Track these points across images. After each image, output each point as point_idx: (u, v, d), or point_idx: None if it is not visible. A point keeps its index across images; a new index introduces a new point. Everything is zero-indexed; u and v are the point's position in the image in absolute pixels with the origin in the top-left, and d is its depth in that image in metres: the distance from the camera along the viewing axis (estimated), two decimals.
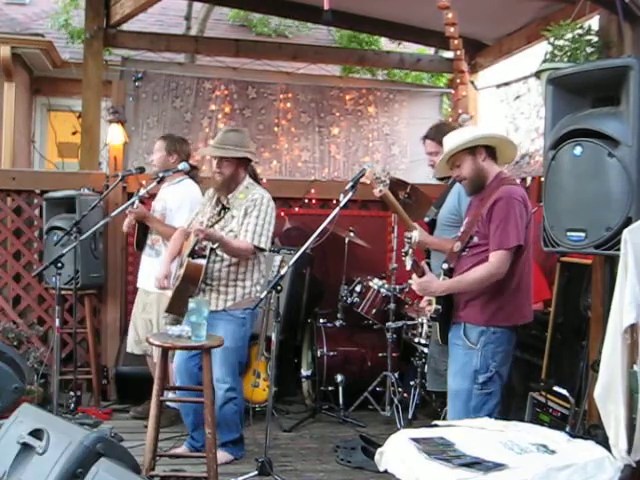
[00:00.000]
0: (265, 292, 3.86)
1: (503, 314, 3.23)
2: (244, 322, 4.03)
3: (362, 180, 3.70)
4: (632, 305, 2.40)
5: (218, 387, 4.01)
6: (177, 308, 3.93)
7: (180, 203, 4.57)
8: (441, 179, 3.99)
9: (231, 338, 3.94)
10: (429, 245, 3.70)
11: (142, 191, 4.47)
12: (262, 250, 4.02)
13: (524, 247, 3.23)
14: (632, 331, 2.42)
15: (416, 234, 3.10)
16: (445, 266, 3.35)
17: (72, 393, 4.74)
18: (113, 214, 4.55)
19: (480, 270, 3.19)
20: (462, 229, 3.45)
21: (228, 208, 3.95)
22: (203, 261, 3.92)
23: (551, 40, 3.51)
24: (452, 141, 3.33)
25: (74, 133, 7.06)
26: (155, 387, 3.58)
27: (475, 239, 3.27)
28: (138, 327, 4.74)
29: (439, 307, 3.31)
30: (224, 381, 4.02)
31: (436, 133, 3.94)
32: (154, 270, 4.53)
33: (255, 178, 4.19)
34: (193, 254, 3.92)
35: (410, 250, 3.07)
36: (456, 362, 3.32)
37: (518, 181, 4.23)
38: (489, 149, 3.31)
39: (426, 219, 3.99)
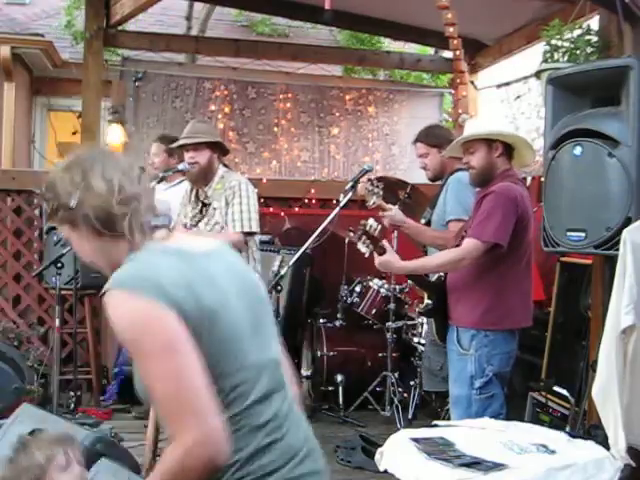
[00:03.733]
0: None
1: (493, 317, 3.13)
2: None
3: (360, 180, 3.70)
4: (630, 307, 2.40)
5: None
6: None
7: None
8: (435, 179, 3.99)
9: None
10: (419, 237, 3.64)
11: None
12: (254, 234, 3.99)
13: (516, 246, 3.12)
14: (629, 332, 2.42)
15: (372, 221, 3.06)
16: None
17: (72, 393, 4.74)
18: None
19: (446, 254, 3.16)
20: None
21: (208, 204, 3.91)
22: None
23: (548, 41, 3.51)
24: (474, 127, 3.29)
25: (74, 133, 7.05)
26: None
27: (468, 231, 3.24)
28: None
29: (430, 302, 3.30)
30: None
31: (426, 135, 3.93)
32: None
33: (229, 168, 4.17)
34: None
35: (364, 237, 3.03)
36: (453, 368, 3.28)
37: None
38: (507, 147, 3.24)
39: (422, 220, 3.99)
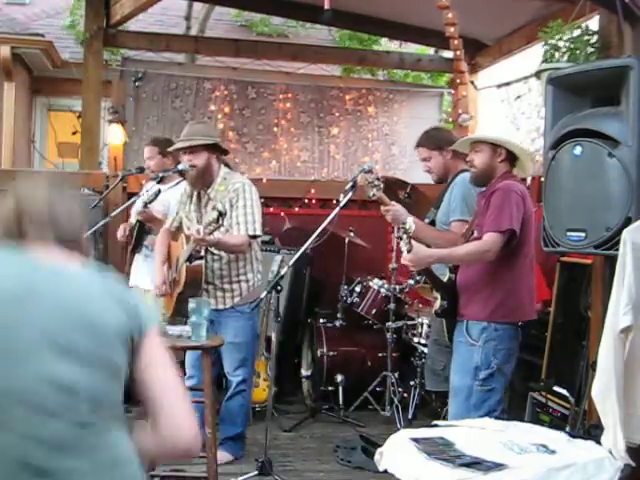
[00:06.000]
0: (265, 292, 3.86)
1: (504, 310, 3.25)
2: (251, 316, 4.06)
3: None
4: (628, 307, 2.39)
5: (230, 380, 4.09)
6: (184, 311, 3.94)
7: None
8: (440, 181, 4.00)
9: (242, 334, 4.00)
10: (420, 234, 3.65)
11: (145, 194, 4.43)
12: (257, 237, 4.02)
13: (522, 241, 3.24)
14: (628, 332, 2.42)
15: (411, 221, 3.11)
16: (451, 264, 3.40)
17: None
18: (113, 214, 4.54)
19: (471, 245, 3.26)
20: (467, 226, 3.49)
21: (225, 213, 3.90)
22: (201, 262, 3.92)
23: (547, 41, 3.51)
24: (485, 130, 3.39)
25: (74, 133, 7.05)
26: None
27: (475, 233, 3.31)
28: None
29: (444, 303, 3.35)
30: (235, 374, 4.06)
31: (427, 139, 3.97)
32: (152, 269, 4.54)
33: (230, 169, 4.17)
34: (190, 258, 3.90)
35: (404, 236, 3.08)
36: (458, 358, 3.34)
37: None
38: (511, 155, 3.37)
39: (426, 220, 4.00)
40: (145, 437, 1.50)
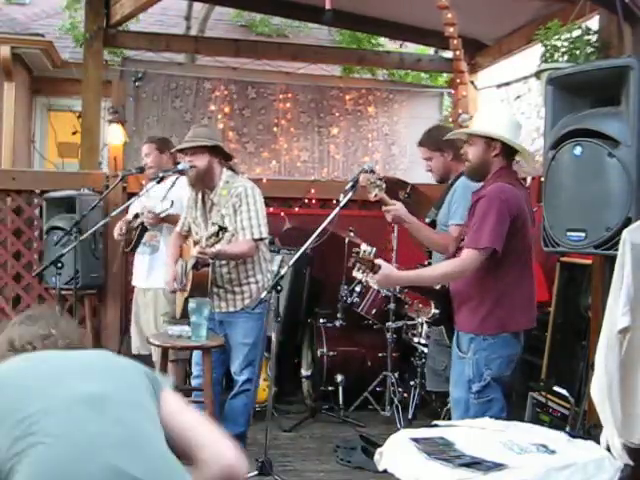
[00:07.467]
0: (265, 292, 3.86)
1: (493, 321, 3.09)
2: (261, 316, 4.07)
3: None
4: (627, 307, 2.39)
5: (236, 379, 4.08)
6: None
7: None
8: (441, 181, 4.00)
9: (252, 334, 4.02)
10: (407, 223, 3.56)
11: (143, 191, 4.43)
12: (263, 239, 4.03)
13: (515, 247, 3.08)
14: (625, 332, 2.42)
15: (365, 245, 3.01)
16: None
17: None
18: (113, 214, 4.54)
19: (445, 265, 3.16)
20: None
21: (225, 228, 3.89)
22: (207, 268, 3.94)
23: (544, 42, 3.51)
24: (480, 122, 3.27)
25: (74, 133, 7.05)
26: None
27: (465, 240, 3.20)
28: (143, 327, 4.71)
29: (437, 312, 3.29)
30: (241, 373, 4.06)
31: (427, 138, 3.94)
32: (154, 266, 4.54)
33: (236, 173, 4.18)
34: (196, 265, 3.92)
35: (358, 264, 2.96)
36: (453, 370, 3.26)
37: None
38: (508, 148, 3.18)
39: (427, 220, 4.00)
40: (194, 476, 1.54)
